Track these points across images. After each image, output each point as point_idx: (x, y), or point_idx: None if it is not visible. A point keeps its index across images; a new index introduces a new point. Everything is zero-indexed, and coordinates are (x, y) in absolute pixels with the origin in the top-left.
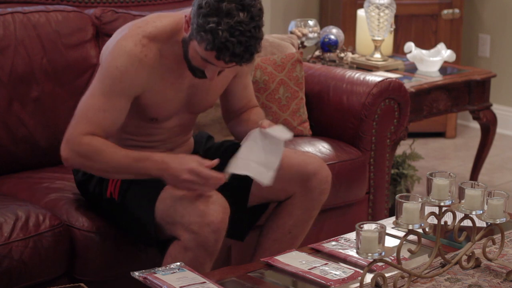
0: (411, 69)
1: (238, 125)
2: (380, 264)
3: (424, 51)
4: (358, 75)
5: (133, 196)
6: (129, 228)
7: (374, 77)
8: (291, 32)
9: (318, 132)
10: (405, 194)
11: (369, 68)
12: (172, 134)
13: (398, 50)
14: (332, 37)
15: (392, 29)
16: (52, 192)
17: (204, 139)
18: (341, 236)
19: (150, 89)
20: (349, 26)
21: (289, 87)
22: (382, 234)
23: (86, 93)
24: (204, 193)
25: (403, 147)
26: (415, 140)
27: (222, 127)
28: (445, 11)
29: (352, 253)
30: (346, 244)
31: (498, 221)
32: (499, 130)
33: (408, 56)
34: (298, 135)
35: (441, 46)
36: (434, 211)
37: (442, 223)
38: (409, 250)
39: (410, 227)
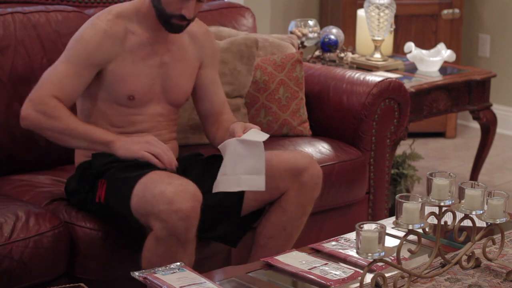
0: (411, 69)
1: (217, 136)
2: (380, 264)
3: (424, 51)
4: (358, 75)
5: (113, 195)
6: (120, 228)
7: (374, 77)
8: (291, 32)
9: (318, 132)
10: (405, 194)
11: (369, 68)
12: (156, 124)
13: (398, 50)
14: (332, 37)
15: (392, 29)
16: (53, 193)
17: (192, 155)
18: (341, 236)
19: (118, 61)
20: (349, 26)
21: (289, 87)
22: (382, 234)
23: (55, 62)
24: (161, 157)
25: (403, 147)
26: (415, 140)
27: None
28: (445, 11)
29: (352, 253)
30: (346, 244)
31: (498, 221)
32: (499, 130)
33: (408, 56)
34: (298, 135)
35: (441, 46)
36: (434, 211)
37: (442, 223)
38: (409, 250)
39: (410, 227)
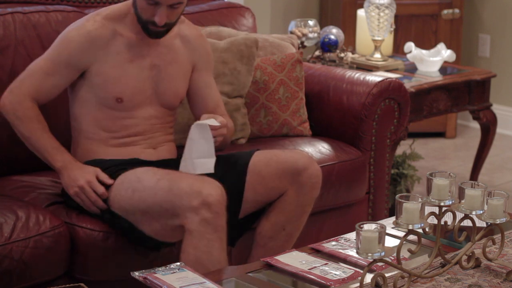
0: (411, 69)
1: None
2: (380, 264)
3: (424, 51)
4: (358, 75)
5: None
6: (124, 232)
7: (374, 77)
8: (291, 32)
9: (318, 132)
10: (405, 194)
11: (369, 68)
12: (149, 127)
13: (398, 50)
14: (332, 37)
15: (392, 29)
16: (54, 194)
17: None
18: (341, 236)
19: (103, 63)
20: (349, 26)
21: (289, 87)
22: (382, 234)
23: (41, 56)
24: (89, 208)
25: (403, 147)
26: (415, 140)
27: None
28: (445, 11)
29: (352, 253)
30: (346, 244)
31: (498, 221)
32: (499, 130)
33: (408, 56)
34: (298, 135)
35: (441, 46)
36: (434, 211)
37: (442, 223)
38: (409, 250)
39: (410, 227)
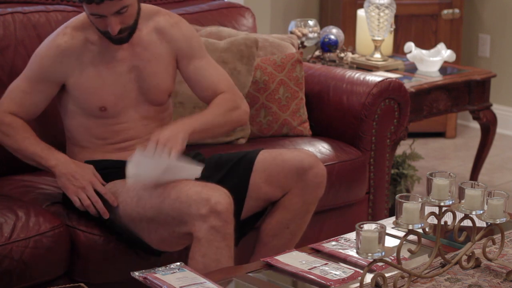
0: (411, 69)
1: None
2: (380, 264)
3: (424, 51)
4: (358, 75)
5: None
6: (124, 238)
7: (374, 77)
8: (291, 32)
9: (318, 132)
10: (405, 194)
11: (369, 68)
12: (142, 129)
13: (398, 50)
14: (332, 37)
15: (392, 29)
16: (54, 195)
17: (191, 156)
18: (341, 236)
19: (81, 74)
20: (349, 26)
21: (289, 87)
22: (382, 234)
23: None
24: (89, 208)
25: (403, 147)
26: (415, 140)
27: None
28: (445, 11)
29: (352, 253)
30: (346, 244)
31: (498, 221)
32: (499, 130)
33: (408, 56)
34: (298, 135)
35: (441, 46)
36: (434, 211)
37: (442, 223)
38: (409, 250)
39: (410, 227)
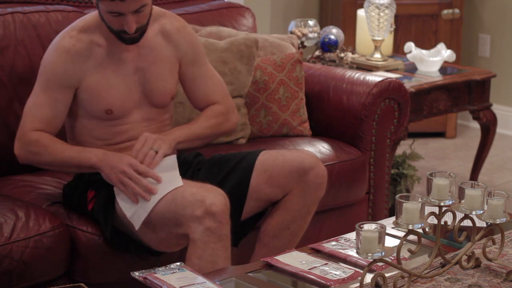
0: (411, 69)
1: None
2: (380, 264)
3: (424, 51)
4: (358, 75)
5: (100, 206)
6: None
7: (374, 77)
8: (291, 32)
9: (318, 132)
10: (405, 194)
11: (369, 68)
12: (143, 130)
13: (398, 50)
14: (332, 37)
15: (392, 29)
16: (54, 195)
17: (191, 156)
18: (341, 236)
19: (89, 77)
20: (349, 26)
21: (289, 87)
22: (382, 234)
23: (32, 91)
24: (134, 190)
25: (403, 147)
26: (415, 140)
27: None
28: (445, 11)
29: (352, 253)
30: (346, 244)
31: (498, 221)
32: (499, 130)
33: (408, 56)
34: (298, 135)
35: (441, 46)
36: (434, 211)
37: (442, 223)
38: (409, 250)
39: (410, 227)
